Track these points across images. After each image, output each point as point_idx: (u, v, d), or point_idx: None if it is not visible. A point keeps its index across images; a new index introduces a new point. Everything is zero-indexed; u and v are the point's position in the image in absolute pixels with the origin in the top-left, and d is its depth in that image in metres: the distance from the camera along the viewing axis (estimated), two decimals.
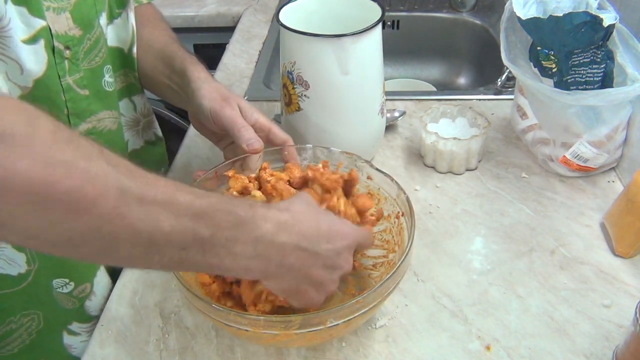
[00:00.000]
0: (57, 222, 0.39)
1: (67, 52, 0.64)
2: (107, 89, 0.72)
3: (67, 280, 0.69)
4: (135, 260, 0.45)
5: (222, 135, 0.75)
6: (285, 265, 0.50)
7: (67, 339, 0.72)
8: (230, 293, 0.61)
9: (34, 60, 0.60)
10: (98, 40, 0.69)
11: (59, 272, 0.68)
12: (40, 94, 0.62)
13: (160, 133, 0.92)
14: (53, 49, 0.62)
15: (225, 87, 0.72)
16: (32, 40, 0.59)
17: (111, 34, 0.75)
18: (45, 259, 0.66)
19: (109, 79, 0.72)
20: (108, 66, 0.72)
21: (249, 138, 0.66)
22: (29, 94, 0.61)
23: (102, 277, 0.73)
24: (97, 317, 0.72)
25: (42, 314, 0.69)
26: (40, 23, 0.59)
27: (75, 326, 0.72)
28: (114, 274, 0.75)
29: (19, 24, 0.58)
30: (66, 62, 0.64)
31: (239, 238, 0.47)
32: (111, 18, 0.74)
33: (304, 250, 0.50)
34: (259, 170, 0.67)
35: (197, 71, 0.72)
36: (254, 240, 0.48)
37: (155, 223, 0.43)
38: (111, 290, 0.71)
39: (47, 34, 0.61)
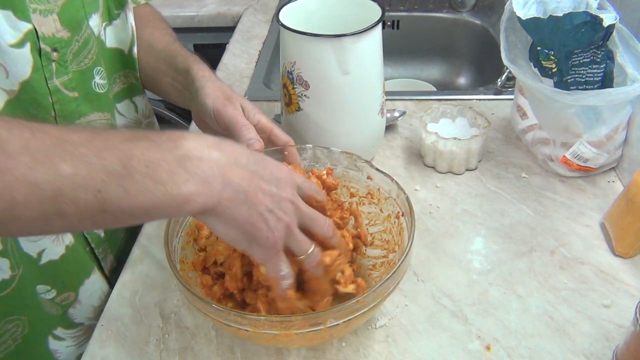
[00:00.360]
0: None
1: (55, 54, 0.62)
2: (98, 90, 0.71)
3: (48, 288, 0.68)
4: (51, 218, 0.40)
5: (224, 135, 0.75)
6: (231, 185, 0.45)
7: (53, 344, 0.71)
8: (232, 295, 0.61)
9: (19, 63, 0.58)
10: (87, 41, 0.67)
11: (42, 278, 0.67)
12: (26, 97, 0.60)
13: None
14: (39, 51, 0.60)
15: None
16: (20, 44, 0.58)
17: (110, 36, 0.74)
18: (28, 265, 0.65)
19: (99, 80, 0.71)
20: (99, 68, 0.70)
21: (250, 138, 0.66)
22: (15, 97, 0.59)
23: (91, 285, 0.72)
24: (82, 325, 0.72)
25: (27, 318, 0.67)
26: (26, 26, 0.58)
27: (60, 331, 0.71)
28: (112, 278, 0.75)
29: (6, 28, 0.56)
30: (53, 64, 0.62)
31: (162, 162, 0.42)
32: (109, 19, 0.73)
33: (244, 168, 0.45)
34: None
35: (200, 70, 0.71)
36: (179, 159, 0.42)
37: (51, 168, 0.38)
38: (108, 296, 0.70)
39: (33, 36, 0.59)
